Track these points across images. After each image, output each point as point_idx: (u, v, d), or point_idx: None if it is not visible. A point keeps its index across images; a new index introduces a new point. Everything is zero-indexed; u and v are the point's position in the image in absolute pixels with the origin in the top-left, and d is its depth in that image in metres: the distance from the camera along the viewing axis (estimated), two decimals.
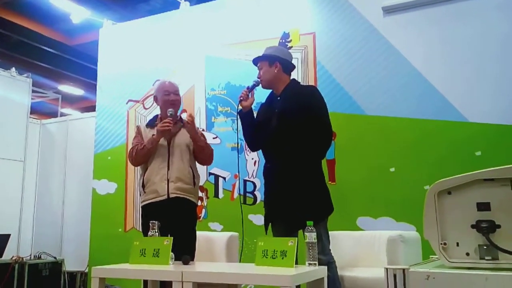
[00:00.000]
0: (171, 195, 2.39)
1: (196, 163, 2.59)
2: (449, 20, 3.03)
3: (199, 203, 3.66)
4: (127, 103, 4.22)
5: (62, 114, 7.00)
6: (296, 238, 1.88)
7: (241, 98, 2.32)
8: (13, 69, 5.06)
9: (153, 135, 2.47)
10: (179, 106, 2.60)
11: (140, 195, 2.56)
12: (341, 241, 2.51)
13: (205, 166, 3.67)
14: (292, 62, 2.40)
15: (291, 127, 2.17)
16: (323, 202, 2.16)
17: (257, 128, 2.33)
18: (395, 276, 0.94)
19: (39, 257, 4.24)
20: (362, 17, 3.30)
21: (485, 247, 0.97)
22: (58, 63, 7.35)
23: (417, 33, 3.11)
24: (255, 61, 2.37)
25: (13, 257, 3.99)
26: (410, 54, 3.10)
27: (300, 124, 2.16)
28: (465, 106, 2.89)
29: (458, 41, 2.98)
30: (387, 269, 0.95)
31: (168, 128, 2.41)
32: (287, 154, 2.18)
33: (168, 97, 2.52)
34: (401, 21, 3.17)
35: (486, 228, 0.96)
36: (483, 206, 0.97)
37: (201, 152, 2.47)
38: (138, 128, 2.64)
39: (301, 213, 2.07)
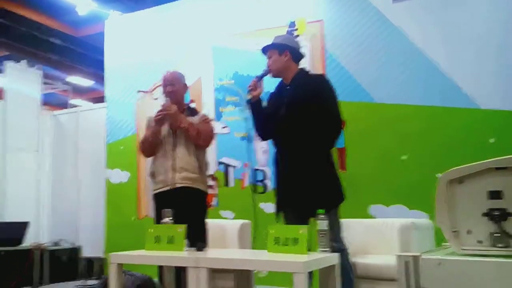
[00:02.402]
0: (177, 185, 2.44)
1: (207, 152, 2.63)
2: (460, 5, 2.98)
3: (210, 191, 3.73)
4: (136, 94, 4.26)
5: (72, 105, 7.07)
6: (308, 226, 1.91)
7: (250, 87, 2.32)
8: (24, 61, 5.11)
9: (153, 126, 2.52)
10: (177, 95, 2.58)
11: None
12: (353, 228, 2.53)
13: (215, 155, 3.72)
14: (301, 51, 2.38)
15: (300, 116, 2.18)
16: (334, 191, 2.18)
17: (266, 117, 2.34)
18: (407, 263, 0.96)
19: (57, 244, 4.36)
20: (370, 4, 3.26)
21: (496, 234, 0.98)
22: (66, 54, 7.37)
23: (427, 19, 3.06)
24: (264, 50, 2.36)
25: (32, 243, 4.11)
26: (420, 40, 3.07)
27: (309, 113, 2.16)
28: (478, 93, 2.86)
29: (469, 27, 2.94)
30: (399, 256, 0.98)
31: (161, 117, 2.45)
32: (297, 143, 2.19)
33: (165, 89, 2.58)
34: (411, 8, 3.13)
35: (498, 216, 0.98)
36: (495, 195, 0.98)
37: (186, 134, 2.48)
38: (148, 120, 2.68)
39: (312, 202, 2.10)
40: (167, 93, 2.56)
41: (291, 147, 2.22)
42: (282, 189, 2.28)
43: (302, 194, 2.16)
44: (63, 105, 8.20)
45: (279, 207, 2.29)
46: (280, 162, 2.29)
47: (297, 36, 3.50)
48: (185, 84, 2.67)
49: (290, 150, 2.23)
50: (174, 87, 2.56)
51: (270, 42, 2.35)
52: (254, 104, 2.34)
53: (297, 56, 2.33)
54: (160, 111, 2.47)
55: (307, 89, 2.21)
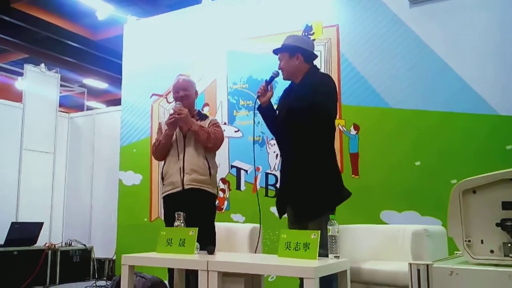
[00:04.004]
0: (186, 187, 2.48)
1: (216, 155, 2.67)
2: (478, 9, 2.94)
3: (221, 194, 3.76)
4: (151, 97, 4.32)
5: (88, 107, 7.21)
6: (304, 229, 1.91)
7: (259, 93, 2.27)
8: (43, 65, 5.24)
9: (165, 130, 2.57)
10: (189, 100, 2.64)
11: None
12: (364, 234, 2.51)
13: (228, 159, 3.75)
14: (314, 52, 2.29)
15: (296, 118, 2.12)
16: (321, 197, 2.09)
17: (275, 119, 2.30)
18: (418, 271, 0.96)
19: (70, 244, 4.44)
20: (387, 8, 3.24)
21: (509, 244, 0.98)
22: (83, 57, 7.54)
23: (445, 24, 3.02)
24: (276, 52, 2.31)
25: (46, 244, 4.19)
26: (437, 45, 3.03)
27: (305, 114, 2.09)
28: (495, 98, 2.81)
29: (487, 31, 2.89)
30: (411, 264, 0.98)
31: (174, 120, 2.50)
32: (291, 144, 2.16)
33: (177, 94, 2.64)
34: (428, 12, 3.09)
35: (511, 226, 0.98)
36: (508, 205, 0.98)
37: (197, 136, 2.52)
38: (159, 124, 2.75)
39: (299, 207, 2.11)
40: (179, 98, 2.61)
41: (286, 149, 2.21)
42: (279, 191, 2.30)
43: (292, 199, 2.15)
44: (78, 107, 8.37)
45: (278, 209, 2.28)
46: (281, 163, 2.29)
47: (313, 40, 3.50)
48: (196, 91, 2.75)
49: (285, 152, 2.22)
50: (187, 92, 2.64)
51: (282, 44, 2.28)
52: (264, 109, 2.30)
53: (310, 57, 2.26)
54: (172, 114, 2.53)
55: (310, 88, 2.13)
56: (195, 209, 2.42)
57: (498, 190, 1.00)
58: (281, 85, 2.39)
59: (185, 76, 2.80)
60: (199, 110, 2.78)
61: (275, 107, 2.35)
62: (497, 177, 1.00)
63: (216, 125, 2.65)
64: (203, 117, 2.71)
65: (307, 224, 2.09)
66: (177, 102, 2.59)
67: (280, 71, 2.28)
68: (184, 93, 2.62)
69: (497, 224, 1.00)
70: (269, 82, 2.28)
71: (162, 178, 2.61)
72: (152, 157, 4.15)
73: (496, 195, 1.00)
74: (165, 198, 2.59)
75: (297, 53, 2.21)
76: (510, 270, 0.91)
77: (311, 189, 2.09)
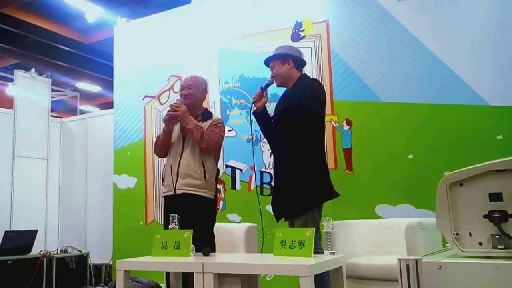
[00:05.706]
0: (178, 191, 2.45)
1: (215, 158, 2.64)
2: (466, 2, 2.95)
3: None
4: (143, 99, 4.30)
5: (81, 111, 7.17)
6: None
7: (254, 99, 2.37)
8: (33, 70, 5.20)
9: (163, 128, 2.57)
10: (193, 99, 2.58)
11: None
12: (359, 229, 2.52)
13: (222, 159, 3.73)
14: (303, 58, 2.42)
15: (286, 123, 2.22)
16: (301, 198, 2.15)
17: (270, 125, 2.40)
18: (408, 266, 0.96)
19: (66, 251, 4.40)
20: (376, 3, 3.25)
21: (497, 236, 0.98)
22: (74, 61, 7.50)
23: (434, 17, 3.04)
24: (267, 62, 2.41)
25: (41, 251, 4.16)
26: (426, 38, 3.04)
27: (292, 120, 2.18)
28: (485, 89, 2.83)
29: (476, 23, 2.90)
30: (400, 260, 0.97)
31: (169, 116, 2.49)
32: (281, 148, 2.25)
33: (181, 92, 2.62)
34: (417, 6, 3.11)
35: (498, 218, 0.97)
36: (495, 197, 0.98)
37: (191, 135, 2.48)
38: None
39: (284, 205, 2.18)
40: (182, 95, 2.59)
41: (276, 151, 2.30)
42: (274, 194, 2.37)
43: (279, 197, 2.24)
44: (72, 111, 8.32)
45: (273, 211, 2.32)
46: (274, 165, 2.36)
47: (303, 36, 3.50)
48: (204, 89, 2.68)
49: (276, 154, 2.31)
50: (191, 90, 2.58)
51: (272, 51, 2.40)
52: (259, 114, 2.39)
53: (300, 63, 2.38)
54: (169, 111, 2.50)
55: (299, 93, 2.23)
56: (188, 214, 2.36)
57: (485, 182, 1.00)
58: (273, 90, 2.43)
59: (193, 75, 2.74)
60: (206, 109, 2.69)
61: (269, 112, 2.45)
62: (484, 168, 0.99)
63: (215, 126, 2.54)
64: (207, 116, 2.61)
65: (294, 222, 2.16)
66: (178, 99, 2.57)
67: (273, 79, 2.38)
68: (187, 91, 2.57)
69: (485, 216, 1.00)
70: (265, 88, 2.40)
71: (162, 179, 2.61)
72: (147, 160, 4.17)
73: (483, 187, 1.00)
74: (164, 199, 2.59)
75: (288, 59, 2.34)
76: (499, 262, 0.91)
77: (294, 188, 2.16)
